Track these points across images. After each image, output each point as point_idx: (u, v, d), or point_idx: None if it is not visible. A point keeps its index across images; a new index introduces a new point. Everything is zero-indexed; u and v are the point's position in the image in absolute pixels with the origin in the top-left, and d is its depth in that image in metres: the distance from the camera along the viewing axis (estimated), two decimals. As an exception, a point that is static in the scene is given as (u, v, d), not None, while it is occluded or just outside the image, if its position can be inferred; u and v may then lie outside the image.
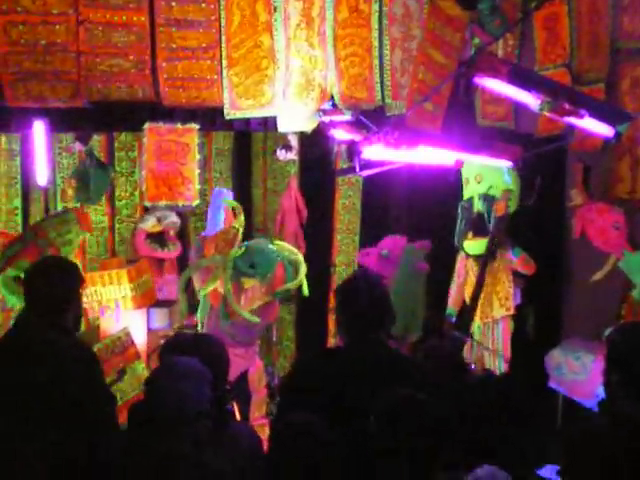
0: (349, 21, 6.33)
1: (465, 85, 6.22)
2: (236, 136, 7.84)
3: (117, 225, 7.49)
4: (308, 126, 6.39)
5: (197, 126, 6.24)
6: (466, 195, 6.74)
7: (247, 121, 6.33)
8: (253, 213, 8.01)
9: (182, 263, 7.08)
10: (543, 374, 6.36)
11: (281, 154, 7.08)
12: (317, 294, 7.48)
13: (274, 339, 7.69)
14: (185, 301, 6.34)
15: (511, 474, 3.14)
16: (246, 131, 7.07)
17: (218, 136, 7.77)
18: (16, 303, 5.92)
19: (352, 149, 4.77)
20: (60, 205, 7.18)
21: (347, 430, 3.12)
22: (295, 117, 6.32)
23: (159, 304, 6.81)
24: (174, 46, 6.01)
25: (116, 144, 7.43)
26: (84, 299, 6.40)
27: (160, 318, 6.74)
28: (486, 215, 6.50)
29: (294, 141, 7.04)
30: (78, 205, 6.61)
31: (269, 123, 6.35)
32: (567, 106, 3.76)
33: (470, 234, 6.62)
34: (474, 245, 6.60)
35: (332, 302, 7.81)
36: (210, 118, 6.32)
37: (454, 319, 6.86)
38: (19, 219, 7.04)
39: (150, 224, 7.06)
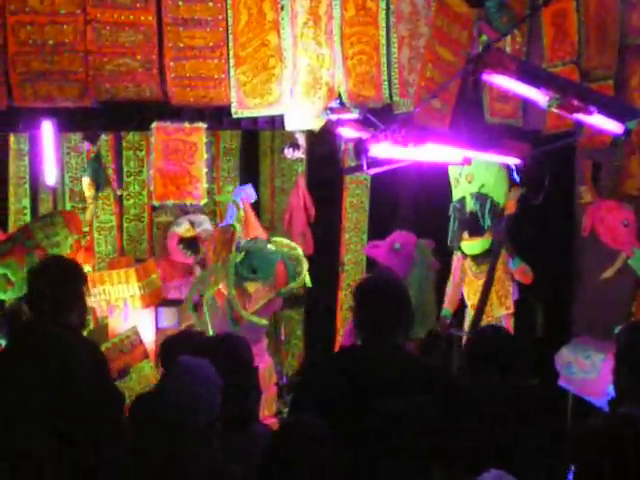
0: (356, 19, 6.32)
1: (473, 82, 6.22)
2: (244, 135, 7.84)
3: (125, 224, 7.48)
4: (316, 124, 6.38)
5: (205, 125, 6.24)
6: (457, 195, 6.64)
7: (254, 120, 6.32)
8: (261, 212, 7.99)
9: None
10: (553, 372, 6.34)
11: (289, 152, 7.07)
12: (325, 293, 7.50)
13: (282, 338, 7.68)
14: (192, 308, 6.33)
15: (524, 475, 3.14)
16: (253, 130, 7.05)
17: (226, 135, 7.76)
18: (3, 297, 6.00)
19: (359, 147, 4.74)
20: (69, 205, 7.19)
21: (357, 430, 3.11)
22: (302, 115, 6.31)
23: (167, 303, 6.82)
24: (181, 45, 6.01)
25: (124, 143, 7.42)
26: (92, 298, 6.45)
27: (169, 317, 6.74)
28: (480, 214, 6.44)
29: (302, 139, 7.03)
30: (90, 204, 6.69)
31: (276, 122, 6.34)
32: (576, 102, 3.74)
33: (465, 234, 6.56)
34: (471, 245, 6.54)
35: (340, 301, 7.82)
36: (217, 117, 6.32)
37: (449, 320, 6.82)
38: (28, 219, 7.02)
39: (184, 228, 7.02)
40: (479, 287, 6.40)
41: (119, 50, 5.88)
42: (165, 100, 6.08)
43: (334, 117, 6.15)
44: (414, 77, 6.37)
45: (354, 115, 6.13)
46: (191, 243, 7.07)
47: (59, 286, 3.95)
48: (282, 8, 6.06)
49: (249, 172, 8.09)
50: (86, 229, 6.97)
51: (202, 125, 6.23)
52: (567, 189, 6.98)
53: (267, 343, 6.60)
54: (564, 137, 6.14)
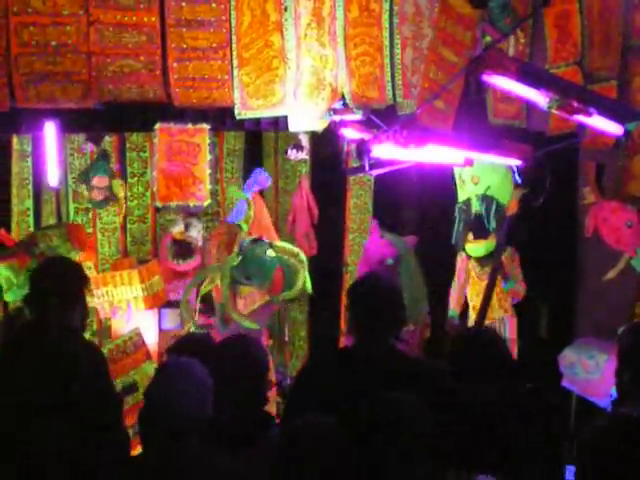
0: (360, 20, 6.33)
1: (476, 83, 6.22)
2: (247, 136, 7.83)
3: (129, 226, 7.48)
4: (319, 126, 6.38)
5: (208, 126, 6.25)
6: (462, 197, 6.64)
7: (258, 121, 6.34)
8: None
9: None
10: (556, 373, 6.34)
11: (292, 154, 7.06)
12: (329, 294, 7.49)
13: (286, 339, 7.67)
14: (187, 309, 6.33)
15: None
16: (257, 131, 7.06)
17: (229, 136, 7.76)
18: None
19: (362, 148, 4.74)
20: (72, 206, 7.20)
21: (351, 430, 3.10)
22: (306, 117, 6.32)
23: (170, 304, 6.81)
24: (185, 46, 6.03)
25: (127, 145, 7.42)
26: (96, 300, 6.46)
27: (171, 318, 6.74)
28: (485, 216, 6.43)
29: (305, 141, 7.02)
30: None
31: (280, 123, 6.35)
32: (576, 104, 3.73)
33: (470, 236, 6.54)
34: (476, 247, 6.53)
35: (344, 301, 7.81)
36: (221, 118, 6.34)
37: (457, 321, 6.81)
38: (30, 220, 7.04)
39: (177, 230, 6.99)
40: (482, 289, 6.38)
41: (122, 51, 5.90)
42: (168, 101, 6.09)
43: (337, 118, 6.15)
44: (417, 78, 6.37)
45: (357, 116, 6.13)
46: (182, 249, 7.01)
47: (61, 286, 3.95)
48: (285, 9, 6.07)
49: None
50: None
51: (205, 126, 6.24)
52: (570, 190, 6.97)
53: (270, 344, 6.60)
54: (567, 138, 6.13)
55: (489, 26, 6.33)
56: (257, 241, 6.24)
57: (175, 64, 6.02)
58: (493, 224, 6.40)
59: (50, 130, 6.00)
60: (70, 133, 6.73)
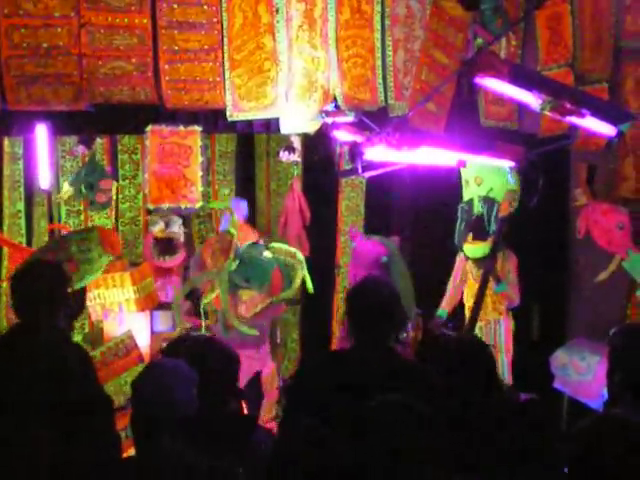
0: (351, 22, 6.33)
1: (468, 85, 6.22)
2: (239, 138, 7.83)
3: (121, 228, 7.47)
4: (311, 127, 6.39)
5: (200, 128, 6.26)
6: (466, 197, 6.66)
7: (250, 123, 6.34)
8: (256, 215, 7.99)
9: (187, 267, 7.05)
10: (548, 374, 6.34)
11: (284, 156, 7.05)
12: (321, 296, 7.47)
13: (278, 341, 7.66)
14: (180, 312, 6.32)
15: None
16: (249, 133, 7.05)
17: (221, 138, 7.75)
18: None
19: (354, 150, 4.74)
20: (63, 209, 7.18)
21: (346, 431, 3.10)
22: (298, 119, 6.32)
23: (163, 307, 6.80)
24: (176, 48, 6.03)
25: (119, 147, 7.42)
26: (88, 302, 6.43)
27: (163, 321, 6.72)
28: (486, 217, 6.44)
29: (297, 143, 7.01)
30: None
31: (272, 125, 6.36)
32: (568, 105, 3.74)
33: (470, 237, 6.55)
34: (474, 248, 6.53)
35: (337, 304, 7.80)
36: (213, 120, 6.34)
37: (444, 320, 6.79)
38: (22, 222, 7.02)
39: (157, 228, 6.98)
40: (478, 290, 6.41)
41: (113, 53, 5.90)
42: (160, 103, 6.09)
43: (329, 120, 6.15)
44: (409, 80, 6.38)
45: (349, 118, 6.12)
46: (165, 243, 7.00)
47: (49, 290, 3.94)
48: (277, 11, 6.08)
49: (244, 175, 8.09)
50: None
51: (197, 128, 6.24)
52: (562, 192, 6.97)
53: (269, 349, 6.61)
54: (559, 140, 6.14)
55: (481, 28, 6.34)
56: (253, 244, 6.25)
57: (167, 66, 6.02)
58: (493, 227, 6.41)
59: (41, 132, 6.00)
60: (61, 135, 6.72)
